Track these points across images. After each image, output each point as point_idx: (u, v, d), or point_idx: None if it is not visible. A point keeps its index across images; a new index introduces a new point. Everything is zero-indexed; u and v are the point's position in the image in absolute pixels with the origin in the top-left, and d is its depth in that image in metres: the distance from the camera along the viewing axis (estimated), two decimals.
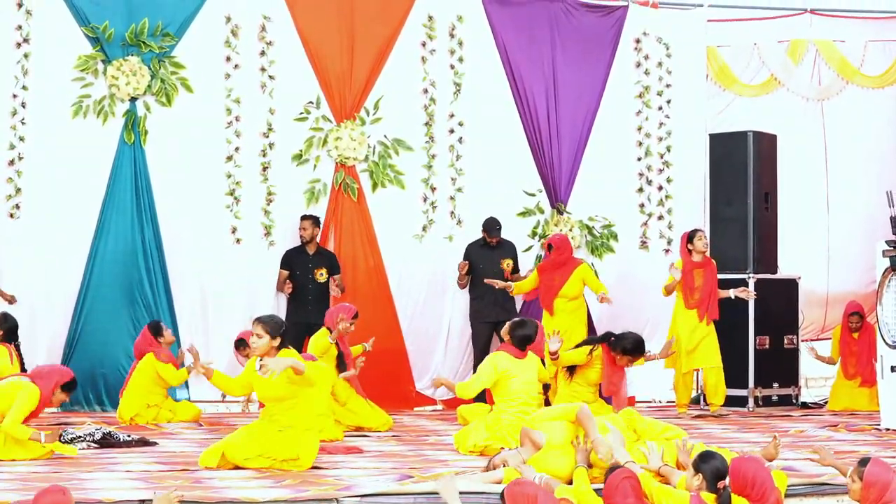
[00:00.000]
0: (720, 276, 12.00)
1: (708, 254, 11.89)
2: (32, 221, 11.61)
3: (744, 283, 12.20)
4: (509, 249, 12.42)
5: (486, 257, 12.15)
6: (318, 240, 12.18)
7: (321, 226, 12.24)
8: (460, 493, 6.62)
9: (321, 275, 12.06)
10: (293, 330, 10.27)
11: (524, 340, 9.08)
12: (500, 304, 12.10)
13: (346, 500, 6.90)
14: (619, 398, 9.93)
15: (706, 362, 11.67)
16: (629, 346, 9.79)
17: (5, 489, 7.16)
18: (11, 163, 11.68)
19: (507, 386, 8.97)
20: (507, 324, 9.35)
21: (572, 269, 11.63)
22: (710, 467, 6.51)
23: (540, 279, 11.74)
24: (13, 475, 7.60)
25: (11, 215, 11.68)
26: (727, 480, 6.46)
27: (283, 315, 12.03)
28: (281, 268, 12.14)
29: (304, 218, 12.13)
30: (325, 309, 11.54)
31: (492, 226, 12.26)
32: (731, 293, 11.86)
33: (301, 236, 12.09)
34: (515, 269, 12.32)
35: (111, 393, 11.65)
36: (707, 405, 12.05)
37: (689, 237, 11.83)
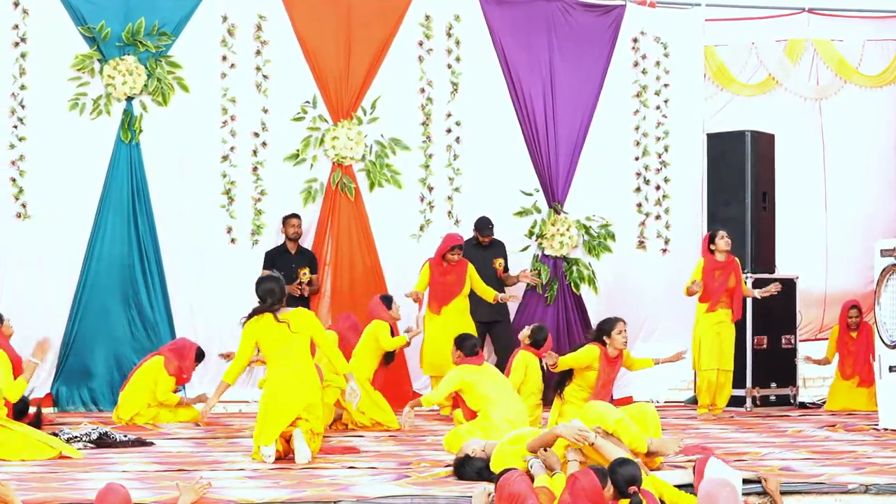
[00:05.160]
0: None
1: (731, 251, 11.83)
2: (32, 221, 11.60)
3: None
4: (500, 249, 12.40)
5: (479, 257, 12.09)
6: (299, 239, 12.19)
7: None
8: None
9: (304, 274, 12.04)
10: None
11: (474, 348, 9.42)
12: (492, 305, 12.05)
13: (346, 501, 6.90)
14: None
15: (725, 365, 11.64)
16: (605, 326, 9.70)
17: None
18: (13, 163, 11.69)
19: (477, 392, 9.09)
20: (454, 341, 9.55)
21: (465, 268, 11.67)
22: (618, 477, 6.55)
23: (433, 280, 11.67)
24: (11, 475, 7.57)
25: (19, 215, 11.70)
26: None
27: None
28: (264, 269, 12.09)
29: (293, 216, 12.11)
30: (308, 308, 11.55)
31: (484, 225, 12.23)
32: (757, 293, 11.80)
33: (292, 233, 12.05)
34: (507, 268, 12.31)
35: (107, 393, 11.63)
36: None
37: (711, 237, 11.74)
